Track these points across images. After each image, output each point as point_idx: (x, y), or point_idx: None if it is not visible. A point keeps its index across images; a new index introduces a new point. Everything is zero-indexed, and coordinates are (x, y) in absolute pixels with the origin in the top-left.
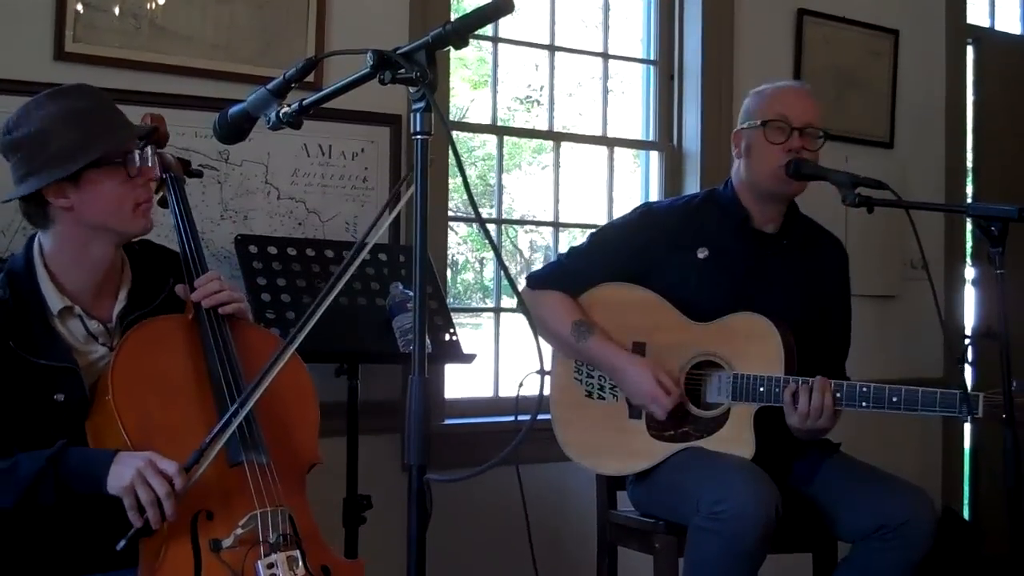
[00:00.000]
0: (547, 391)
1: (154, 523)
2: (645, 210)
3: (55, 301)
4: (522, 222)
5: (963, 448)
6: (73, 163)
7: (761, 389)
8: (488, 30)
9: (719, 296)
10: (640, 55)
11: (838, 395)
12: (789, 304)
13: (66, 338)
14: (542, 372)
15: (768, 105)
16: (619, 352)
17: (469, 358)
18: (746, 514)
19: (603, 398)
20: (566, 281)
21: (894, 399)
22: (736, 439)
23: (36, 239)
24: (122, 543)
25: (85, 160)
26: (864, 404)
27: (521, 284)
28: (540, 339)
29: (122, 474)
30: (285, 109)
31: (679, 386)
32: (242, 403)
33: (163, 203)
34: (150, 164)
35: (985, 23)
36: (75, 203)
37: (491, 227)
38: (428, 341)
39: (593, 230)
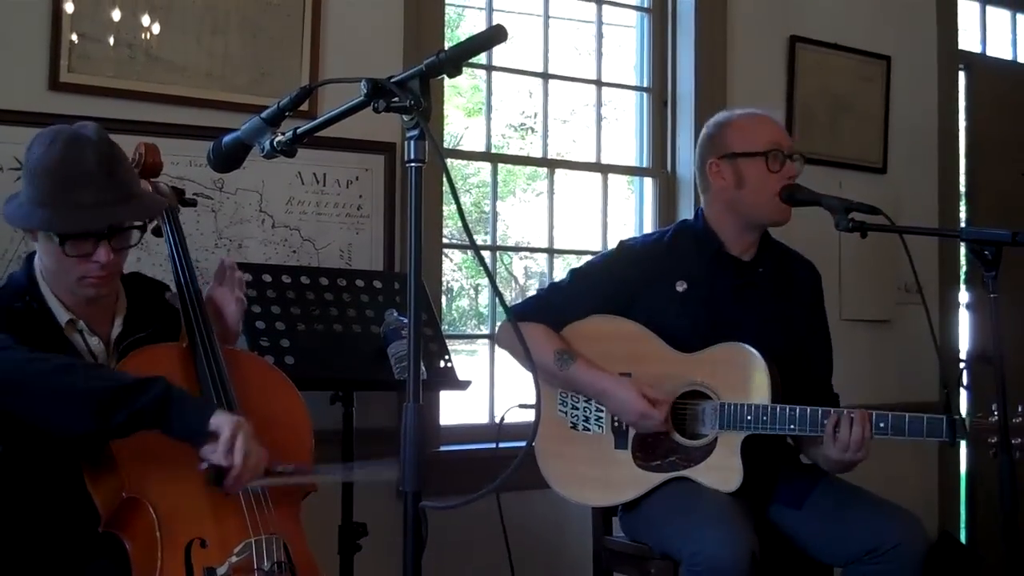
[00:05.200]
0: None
1: (236, 468)
2: (621, 248)
3: (61, 314)
4: (517, 248)
5: (960, 472)
6: (28, 220)
7: (748, 417)
8: (482, 58)
9: (700, 325)
10: (633, 82)
11: (882, 424)
12: (769, 330)
13: (77, 347)
14: (538, 397)
15: (759, 135)
16: (603, 375)
17: (464, 385)
18: (720, 565)
19: (588, 429)
20: (548, 314)
21: (881, 425)
22: (723, 467)
23: (37, 256)
24: (204, 464)
25: (34, 224)
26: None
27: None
28: (525, 369)
29: (231, 417)
30: (279, 137)
31: (667, 402)
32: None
33: (157, 232)
34: (99, 258)
35: (976, 49)
36: (36, 245)
37: (486, 254)
38: (423, 368)
39: (574, 267)
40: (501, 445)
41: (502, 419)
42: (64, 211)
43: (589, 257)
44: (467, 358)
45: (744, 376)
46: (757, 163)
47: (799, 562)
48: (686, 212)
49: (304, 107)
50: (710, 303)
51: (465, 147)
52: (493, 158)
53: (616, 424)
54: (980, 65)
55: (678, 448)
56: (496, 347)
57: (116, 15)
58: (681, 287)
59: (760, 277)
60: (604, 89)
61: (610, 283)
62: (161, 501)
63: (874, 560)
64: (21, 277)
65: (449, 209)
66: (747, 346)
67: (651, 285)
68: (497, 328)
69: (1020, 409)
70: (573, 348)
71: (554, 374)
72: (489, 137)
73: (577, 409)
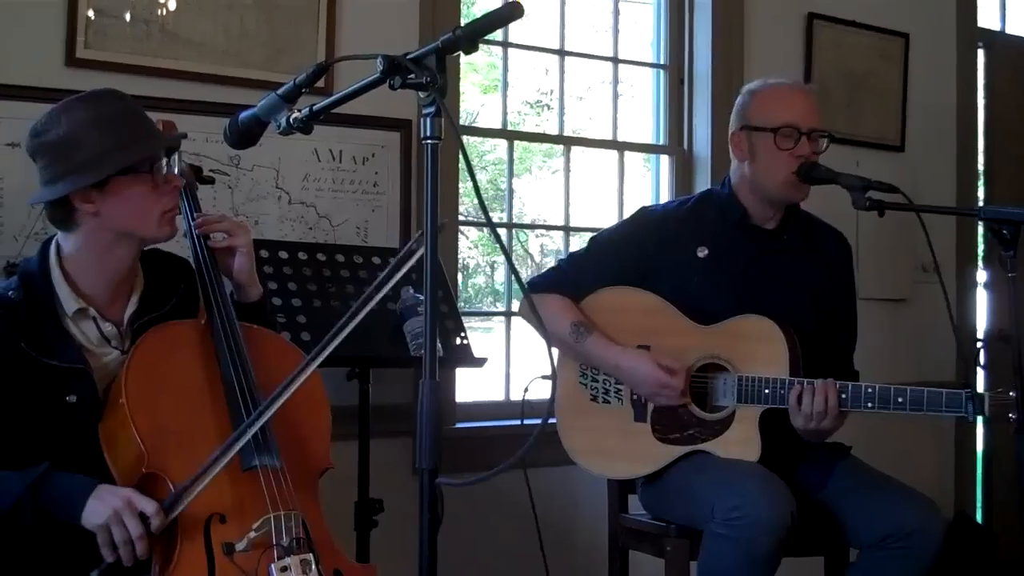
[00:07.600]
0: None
1: (126, 561)
2: (641, 213)
3: (70, 302)
4: (533, 226)
5: (976, 452)
6: (102, 170)
7: (767, 391)
8: (498, 35)
9: (723, 295)
10: (650, 59)
11: (843, 396)
12: (793, 301)
13: (79, 339)
14: (553, 374)
15: (775, 110)
16: (618, 349)
17: (480, 362)
18: (762, 520)
19: (608, 402)
20: (566, 285)
21: (899, 399)
22: (742, 441)
23: (53, 242)
24: (94, 574)
25: (114, 168)
26: (870, 405)
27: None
28: (545, 341)
29: (99, 510)
30: (296, 114)
31: (684, 371)
32: (238, 437)
33: None
34: (176, 171)
35: (996, 26)
36: (101, 209)
37: (502, 231)
38: (439, 345)
39: (592, 235)
40: (526, 422)
41: (526, 390)
42: (150, 139)
43: None
44: (483, 335)
45: (763, 349)
46: (767, 139)
47: (820, 537)
48: (702, 189)
49: (320, 84)
50: (732, 270)
51: (481, 124)
52: (509, 135)
53: (635, 397)
54: (999, 43)
55: (696, 421)
56: (512, 324)
57: None
58: (703, 253)
59: (785, 245)
60: (620, 66)
61: (629, 249)
62: (181, 476)
63: (892, 545)
64: (33, 263)
65: (465, 186)
66: (766, 318)
67: (671, 251)
68: (518, 303)
69: None
70: (591, 320)
71: (571, 347)
72: (505, 114)
73: (597, 382)
